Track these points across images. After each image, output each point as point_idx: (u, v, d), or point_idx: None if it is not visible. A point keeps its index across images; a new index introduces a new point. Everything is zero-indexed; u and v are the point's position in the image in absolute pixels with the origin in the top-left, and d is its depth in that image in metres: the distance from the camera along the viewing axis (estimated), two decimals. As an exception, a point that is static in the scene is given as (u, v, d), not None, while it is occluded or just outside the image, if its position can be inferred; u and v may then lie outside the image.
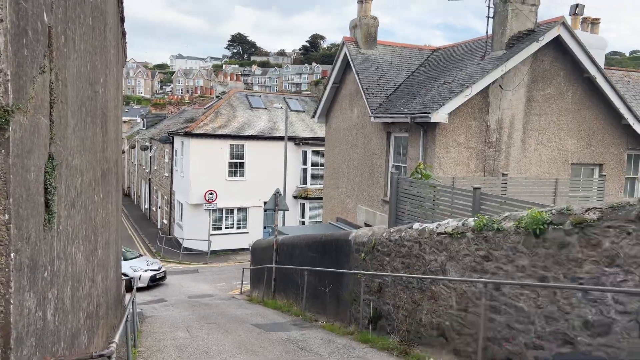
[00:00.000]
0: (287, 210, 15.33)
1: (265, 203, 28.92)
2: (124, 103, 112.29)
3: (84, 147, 4.29)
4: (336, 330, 9.65)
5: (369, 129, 15.24)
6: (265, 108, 29.76)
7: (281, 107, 27.02)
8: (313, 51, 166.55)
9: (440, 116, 11.66)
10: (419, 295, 8.14)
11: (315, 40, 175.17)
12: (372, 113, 14.13)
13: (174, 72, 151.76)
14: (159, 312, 14.09)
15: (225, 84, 31.19)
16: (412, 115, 12.20)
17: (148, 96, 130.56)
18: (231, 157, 26.97)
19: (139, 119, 60.99)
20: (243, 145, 27.10)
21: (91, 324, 6.17)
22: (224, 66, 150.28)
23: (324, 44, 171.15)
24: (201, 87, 51.45)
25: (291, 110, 30.46)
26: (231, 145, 26.85)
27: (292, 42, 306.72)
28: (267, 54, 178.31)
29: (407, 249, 8.36)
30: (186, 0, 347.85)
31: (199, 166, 26.08)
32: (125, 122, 72.44)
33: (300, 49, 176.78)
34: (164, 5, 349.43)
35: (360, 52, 15.68)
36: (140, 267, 19.78)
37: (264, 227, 28.76)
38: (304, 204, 28.27)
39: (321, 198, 28.93)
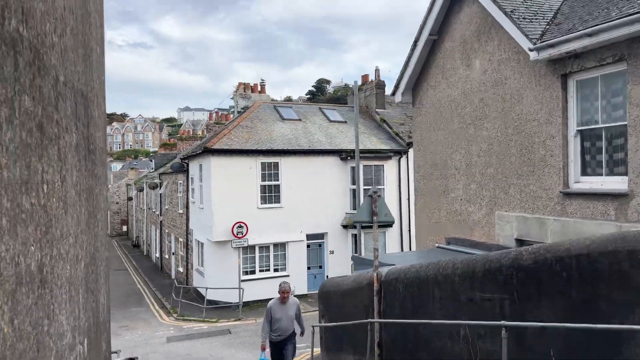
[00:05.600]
0: (393, 221, 9.25)
1: (308, 236, 22.86)
2: (133, 156, 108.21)
3: None
4: None
5: (512, 83, 9.35)
6: (300, 119, 24.05)
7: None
8: (320, 95, 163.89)
9: None
10: None
11: (321, 84, 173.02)
12: (534, 45, 8.27)
13: (182, 124, 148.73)
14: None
15: (248, 97, 25.77)
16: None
17: (157, 149, 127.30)
18: (263, 179, 21.02)
19: (146, 170, 55.77)
20: (277, 163, 21.19)
21: None
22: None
23: (329, 89, 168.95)
24: (216, 112, 46.18)
25: (330, 122, 24.80)
26: (262, 164, 20.95)
27: (295, 91, 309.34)
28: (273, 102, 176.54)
29: None
30: (187, 60, 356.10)
31: (223, 192, 20.14)
32: (132, 169, 67.76)
33: (307, 94, 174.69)
34: (166, 66, 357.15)
35: (483, -31, 10.00)
36: None
37: (308, 268, 22.47)
38: (356, 235, 22.02)
39: (379, 226, 22.75)
